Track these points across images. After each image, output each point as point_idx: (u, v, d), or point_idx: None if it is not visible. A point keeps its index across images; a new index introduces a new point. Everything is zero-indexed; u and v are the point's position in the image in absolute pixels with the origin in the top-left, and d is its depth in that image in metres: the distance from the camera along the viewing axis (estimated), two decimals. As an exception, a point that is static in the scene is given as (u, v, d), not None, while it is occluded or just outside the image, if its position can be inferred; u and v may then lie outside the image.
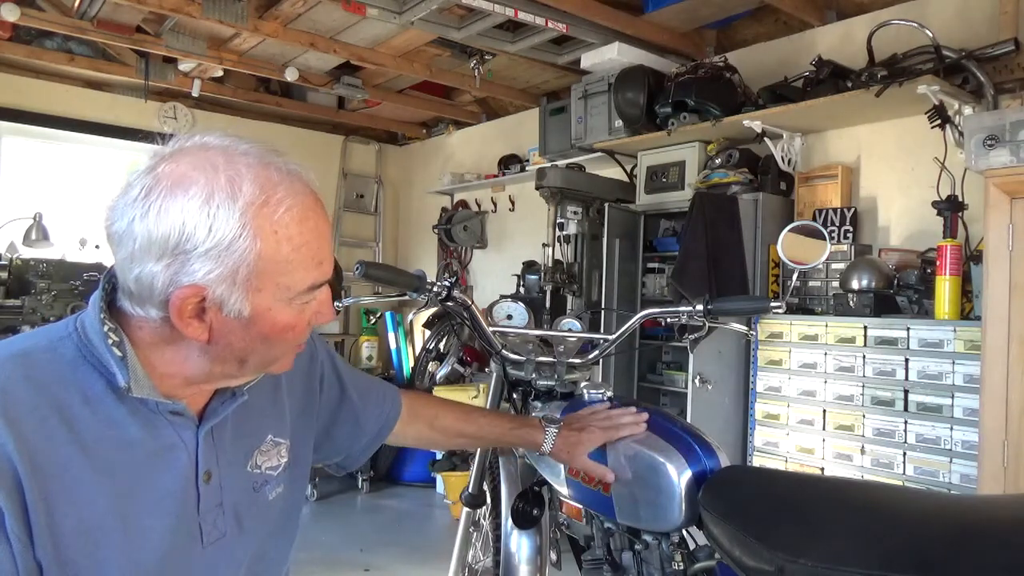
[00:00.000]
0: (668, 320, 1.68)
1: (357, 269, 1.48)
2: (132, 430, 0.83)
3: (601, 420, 1.38)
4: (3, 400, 0.76)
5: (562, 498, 1.60)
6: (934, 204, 2.64)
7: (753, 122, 3.10)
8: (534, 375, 1.64)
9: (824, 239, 1.56)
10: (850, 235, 2.98)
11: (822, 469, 2.72)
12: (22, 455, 0.74)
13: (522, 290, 4.35)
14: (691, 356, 3.01)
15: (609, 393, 1.54)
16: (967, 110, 2.65)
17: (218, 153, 0.81)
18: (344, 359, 1.25)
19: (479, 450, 1.86)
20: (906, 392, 2.51)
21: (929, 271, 2.66)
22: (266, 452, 1.00)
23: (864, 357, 2.61)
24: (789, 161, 3.24)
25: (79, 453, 0.79)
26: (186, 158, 0.80)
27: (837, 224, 3.02)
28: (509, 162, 4.93)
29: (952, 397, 2.41)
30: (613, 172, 4.01)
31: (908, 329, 2.52)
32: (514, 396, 1.74)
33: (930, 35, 2.67)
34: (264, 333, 0.84)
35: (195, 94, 4.76)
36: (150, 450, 0.85)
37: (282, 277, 0.81)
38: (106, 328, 0.82)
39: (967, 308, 2.56)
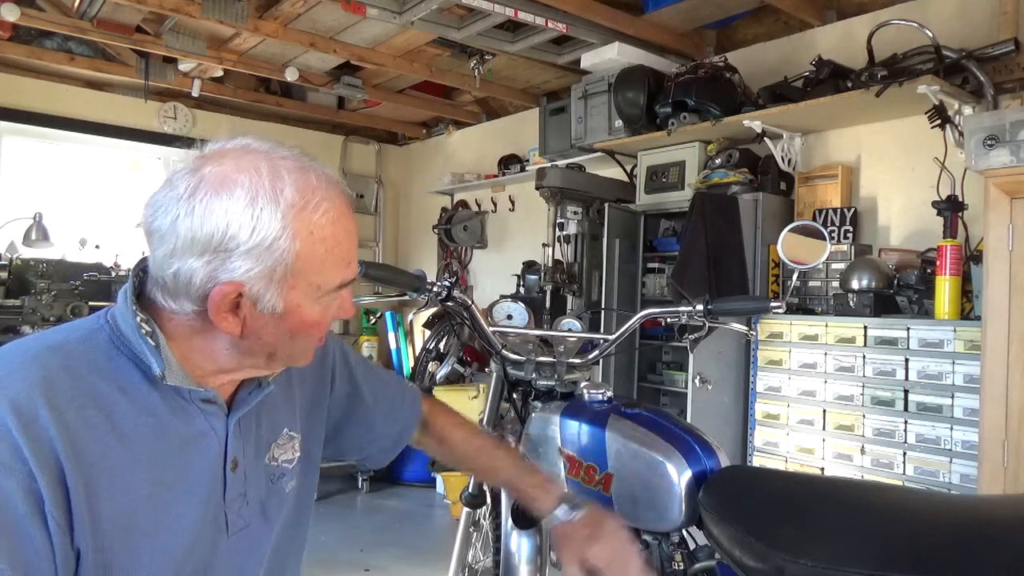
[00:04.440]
0: (668, 320, 1.68)
1: (358, 269, 1.48)
2: (166, 418, 0.85)
3: (620, 547, 1.12)
4: (48, 389, 0.77)
5: (562, 498, 1.59)
6: (934, 204, 2.63)
7: (753, 122, 3.10)
8: (534, 375, 1.65)
9: (824, 239, 1.56)
10: (850, 235, 2.98)
11: (822, 469, 2.72)
12: (66, 443, 0.76)
13: (522, 290, 4.35)
14: (691, 356, 3.01)
15: (609, 393, 1.54)
16: (967, 110, 2.65)
17: (261, 157, 0.83)
18: (361, 356, 1.24)
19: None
20: (906, 392, 2.51)
21: (929, 271, 2.66)
22: (282, 445, 1.02)
23: (864, 357, 2.61)
24: (789, 161, 3.24)
25: (117, 441, 0.81)
26: (229, 160, 0.82)
27: (837, 224, 3.02)
28: (509, 162, 4.92)
29: (952, 397, 2.41)
30: (613, 172, 4.01)
31: (908, 329, 2.52)
32: (514, 396, 1.74)
33: (930, 35, 2.67)
34: (293, 328, 0.86)
35: (195, 94, 4.76)
36: (183, 438, 0.87)
37: (315, 276, 0.84)
38: (139, 319, 0.84)
39: (967, 308, 2.56)
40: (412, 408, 1.27)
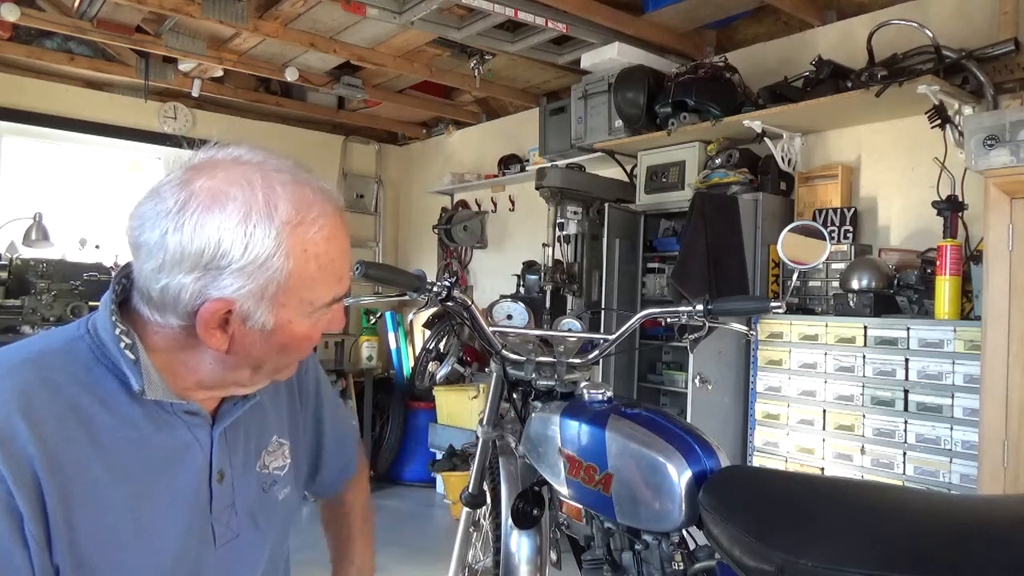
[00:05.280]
0: (668, 320, 1.68)
1: (357, 269, 1.48)
2: (148, 431, 0.84)
3: None
4: (25, 403, 0.76)
5: (562, 498, 1.60)
6: (934, 204, 2.64)
7: (753, 122, 3.10)
8: (534, 375, 1.65)
9: (824, 239, 1.56)
10: (850, 235, 2.98)
11: (822, 469, 2.72)
12: (43, 458, 0.75)
13: (522, 290, 4.35)
14: (691, 356, 3.01)
15: (609, 393, 1.54)
16: (967, 110, 2.65)
17: (254, 169, 0.81)
18: (333, 395, 1.21)
19: (479, 450, 1.86)
20: (906, 392, 2.51)
21: (929, 271, 2.66)
22: (272, 453, 1.01)
23: (864, 357, 2.61)
24: (789, 161, 3.24)
25: (97, 455, 0.79)
26: (221, 173, 0.80)
27: (837, 224, 3.02)
28: (509, 162, 4.92)
29: (952, 397, 2.41)
30: (613, 172, 4.01)
31: (908, 329, 2.52)
32: (514, 396, 1.74)
33: (930, 35, 2.67)
34: (281, 344, 0.85)
35: (195, 94, 4.75)
36: (166, 450, 0.85)
37: (307, 293, 0.83)
38: (118, 331, 0.82)
39: (967, 308, 2.56)
40: (354, 456, 1.25)
